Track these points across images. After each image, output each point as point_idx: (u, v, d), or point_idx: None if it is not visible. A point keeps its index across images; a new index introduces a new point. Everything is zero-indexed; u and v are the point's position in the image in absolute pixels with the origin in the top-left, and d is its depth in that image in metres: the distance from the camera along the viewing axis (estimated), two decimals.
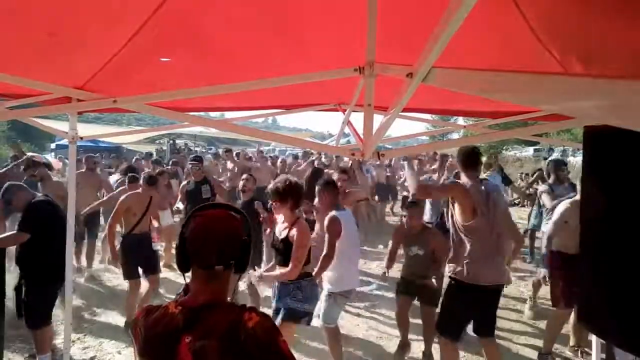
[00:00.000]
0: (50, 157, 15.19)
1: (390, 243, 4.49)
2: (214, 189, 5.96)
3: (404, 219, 4.44)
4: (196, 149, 23.61)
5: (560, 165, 5.71)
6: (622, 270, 1.90)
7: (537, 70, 1.18)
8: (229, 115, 4.00)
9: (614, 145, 1.86)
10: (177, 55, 2.00)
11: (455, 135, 24.06)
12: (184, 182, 6.30)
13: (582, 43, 1.70)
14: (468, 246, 3.21)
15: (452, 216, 3.35)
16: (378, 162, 9.04)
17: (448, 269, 3.38)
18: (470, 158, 3.36)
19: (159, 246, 5.00)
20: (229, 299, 1.41)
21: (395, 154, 2.78)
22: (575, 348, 4.14)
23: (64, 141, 3.31)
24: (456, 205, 3.28)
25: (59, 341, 3.99)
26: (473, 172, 3.36)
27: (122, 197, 4.81)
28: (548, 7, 1.52)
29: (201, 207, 1.40)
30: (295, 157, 11.26)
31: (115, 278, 5.97)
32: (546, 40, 1.73)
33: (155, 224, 5.20)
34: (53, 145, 23.07)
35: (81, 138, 3.19)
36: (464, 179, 3.36)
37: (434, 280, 4.04)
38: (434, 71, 1.17)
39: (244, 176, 5.07)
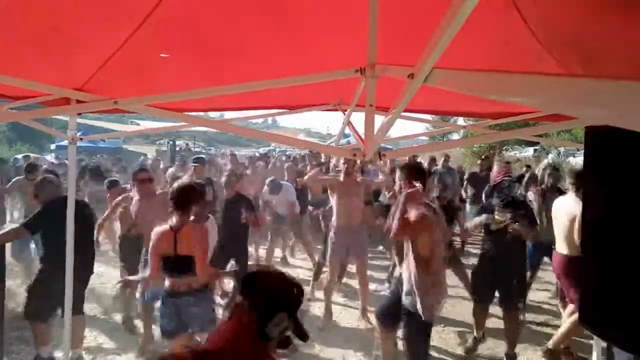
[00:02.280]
0: (50, 158, 15.20)
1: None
2: (216, 192, 5.88)
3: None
4: (196, 149, 23.62)
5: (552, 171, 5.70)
6: (623, 271, 1.89)
7: (537, 72, 1.18)
8: (228, 115, 4.01)
9: (615, 146, 1.86)
10: (176, 54, 2.00)
11: (455, 136, 24.03)
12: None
13: (581, 45, 1.70)
14: (428, 281, 2.90)
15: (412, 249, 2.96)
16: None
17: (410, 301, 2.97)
18: (419, 172, 3.07)
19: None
20: None
21: (397, 154, 2.78)
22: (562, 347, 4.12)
23: (64, 142, 3.30)
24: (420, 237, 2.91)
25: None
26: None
27: (118, 199, 4.84)
28: (547, 10, 1.52)
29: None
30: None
31: (116, 279, 5.96)
32: (546, 42, 1.73)
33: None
34: (53, 146, 23.09)
35: (81, 139, 3.19)
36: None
37: None
38: (436, 72, 1.17)
39: (227, 173, 5.17)
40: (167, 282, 3.02)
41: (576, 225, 3.78)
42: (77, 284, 3.61)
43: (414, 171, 3.06)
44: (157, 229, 3.04)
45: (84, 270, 3.73)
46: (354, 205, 4.75)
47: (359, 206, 4.84)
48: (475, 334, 4.21)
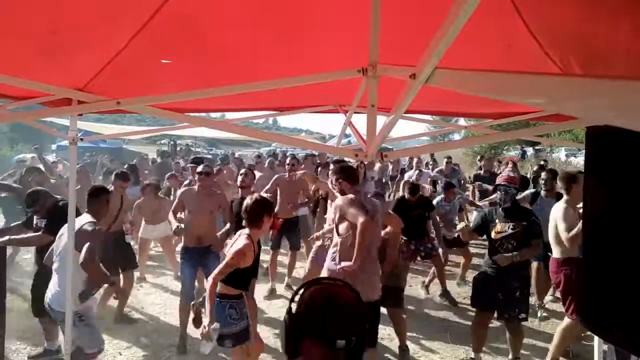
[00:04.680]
0: (51, 159, 15.22)
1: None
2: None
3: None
4: (197, 149, 23.59)
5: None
6: (624, 271, 1.89)
7: (539, 72, 1.18)
8: (229, 115, 4.02)
9: (616, 146, 1.86)
10: (178, 55, 2.00)
11: (456, 136, 24.06)
12: (186, 182, 6.20)
13: (581, 47, 1.70)
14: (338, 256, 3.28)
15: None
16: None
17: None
18: (349, 172, 3.50)
19: (131, 239, 5.04)
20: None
21: (399, 154, 2.79)
22: None
23: (65, 142, 3.31)
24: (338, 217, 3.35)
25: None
26: (355, 185, 3.49)
27: None
28: (547, 12, 1.53)
29: (312, 282, 1.21)
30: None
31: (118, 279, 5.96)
32: (546, 44, 1.73)
33: (129, 217, 5.34)
34: (54, 147, 23.09)
35: (81, 139, 3.19)
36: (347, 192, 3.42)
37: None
38: (437, 72, 1.17)
39: (242, 171, 5.13)
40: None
41: (562, 229, 3.81)
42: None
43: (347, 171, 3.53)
44: (247, 244, 3.02)
45: None
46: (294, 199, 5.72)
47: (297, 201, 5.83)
48: (473, 355, 4.08)
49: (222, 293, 3.03)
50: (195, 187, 4.68)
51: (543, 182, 5.34)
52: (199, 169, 4.76)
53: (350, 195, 3.36)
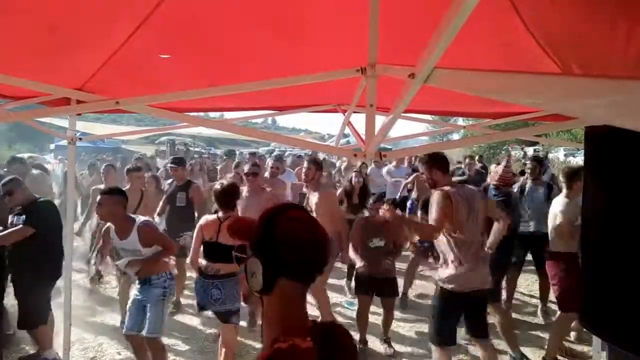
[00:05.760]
0: (50, 158, 15.21)
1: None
2: (190, 197, 5.28)
3: (366, 213, 4.66)
4: (195, 149, 23.57)
5: None
6: (622, 270, 1.89)
7: (538, 72, 1.18)
8: (228, 115, 4.02)
9: (615, 146, 1.86)
10: (177, 54, 2.00)
11: (455, 136, 24.07)
12: (168, 182, 6.02)
13: (579, 47, 1.71)
14: (453, 254, 3.14)
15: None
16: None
17: (436, 275, 3.34)
18: (443, 162, 3.23)
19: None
20: None
21: (398, 154, 2.78)
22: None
23: (64, 142, 3.31)
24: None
25: (58, 342, 3.98)
26: (449, 176, 3.29)
27: None
28: (546, 11, 1.53)
29: (283, 208, 1.16)
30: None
31: (115, 279, 5.95)
32: (544, 43, 1.73)
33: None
34: (52, 146, 23.08)
35: (80, 139, 3.19)
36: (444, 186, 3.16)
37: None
38: (437, 72, 1.17)
39: (234, 163, 5.14)
40: (202, 263, 3.43)
41: (561, 223, 3.85)
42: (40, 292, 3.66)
43: (440, 161, 3.24)
44: (207, 217, 3.53)
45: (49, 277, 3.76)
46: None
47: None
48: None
49: (231, 272, 3.35)
50: (245, 188, 4.57)
51: (530, 171, 5.30)
52: (246, 169, 4.64)
53: (447, 188, 3.10)
